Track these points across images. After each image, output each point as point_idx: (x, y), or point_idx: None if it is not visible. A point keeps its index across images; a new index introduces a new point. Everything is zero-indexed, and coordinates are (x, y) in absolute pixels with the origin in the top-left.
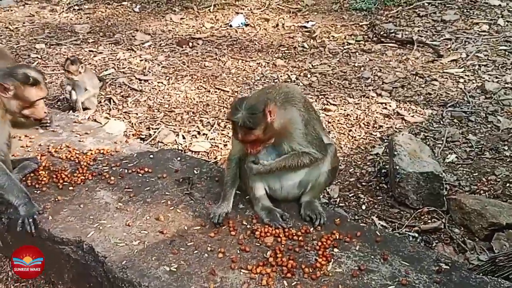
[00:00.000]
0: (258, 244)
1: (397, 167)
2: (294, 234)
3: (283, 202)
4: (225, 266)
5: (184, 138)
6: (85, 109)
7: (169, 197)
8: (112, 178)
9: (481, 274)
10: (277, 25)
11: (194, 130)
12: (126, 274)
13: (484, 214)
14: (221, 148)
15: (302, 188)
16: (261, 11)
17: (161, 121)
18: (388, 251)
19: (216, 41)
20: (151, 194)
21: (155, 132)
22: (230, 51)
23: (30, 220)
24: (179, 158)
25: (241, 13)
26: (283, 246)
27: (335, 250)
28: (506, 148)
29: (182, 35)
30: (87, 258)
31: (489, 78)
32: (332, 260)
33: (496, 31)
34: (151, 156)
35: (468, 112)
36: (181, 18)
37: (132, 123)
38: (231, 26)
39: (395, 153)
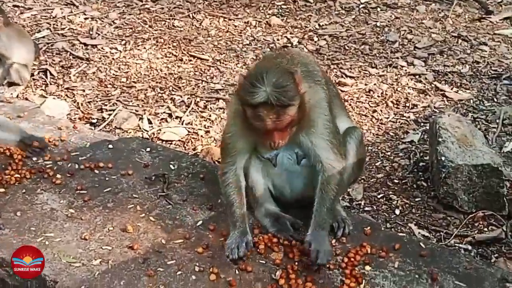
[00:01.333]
0: (263, 262)
1: (443, 158)
2: None
3: (294, 205)
4: None
5: (150, 122)
6: (11, 84)
7: (138, 201)
8: (58, 176)
9: None
10: None
11: (164, 112)
12: None
13: None
14: (201, 136)
15: None
16: None
17: (117, 100)
18: (438, 268)
19: None
20: (113, 197)
21: (110, 114)
22: (207, 6)
23: None
24: (148, 149)
25: None
26: (296, 264)
27: (367, 268)
28: None
29: None
30: (29, 284)
31: None
32: (363, 281)
33: None
34: (110, 146)
35: None
36: None
37: (78, 103)
38: None
39: (440, 139)
